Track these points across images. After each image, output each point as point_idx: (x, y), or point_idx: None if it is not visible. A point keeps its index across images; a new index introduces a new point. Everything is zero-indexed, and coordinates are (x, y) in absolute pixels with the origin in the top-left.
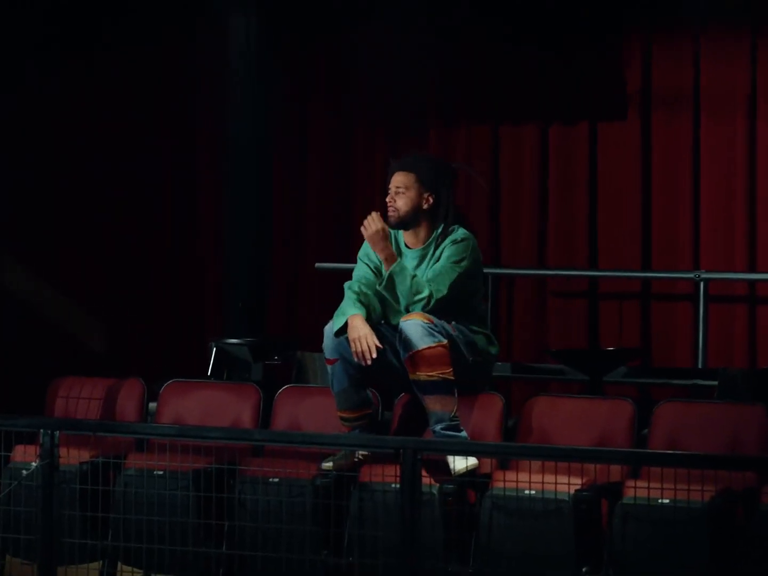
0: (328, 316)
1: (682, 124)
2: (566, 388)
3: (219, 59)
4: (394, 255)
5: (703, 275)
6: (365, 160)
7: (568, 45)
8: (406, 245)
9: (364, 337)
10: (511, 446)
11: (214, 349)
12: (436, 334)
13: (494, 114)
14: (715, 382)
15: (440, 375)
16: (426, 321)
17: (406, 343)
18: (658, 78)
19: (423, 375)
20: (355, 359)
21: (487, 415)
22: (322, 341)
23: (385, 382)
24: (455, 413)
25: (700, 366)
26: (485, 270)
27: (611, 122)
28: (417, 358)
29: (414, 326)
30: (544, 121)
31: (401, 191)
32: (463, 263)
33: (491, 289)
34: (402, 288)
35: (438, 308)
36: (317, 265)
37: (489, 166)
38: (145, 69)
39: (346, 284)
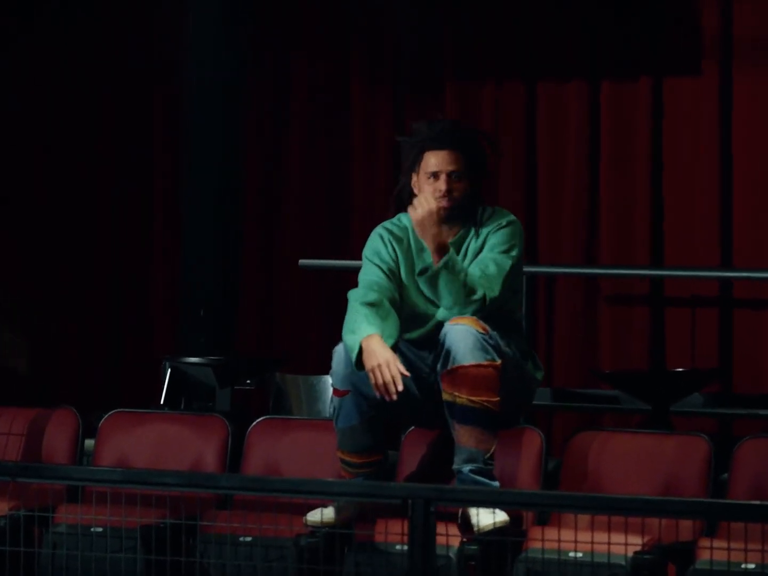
0: (315, 328)
1: None
2: (622, 420)
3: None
4: (446, 244)
5: None
6: (365, 122)
7: None
8: None
9: (386, 364)
10: (551, 495)
11: (169, 370)
12: (490, 349)
13: (530, 66)
14: None
15: (484, 402)
16: (481, 330)
17: (450, 352)
18: (740, 20)
19: (463, 398)
20: (377, 394)
21: (521, 455)
22: (306, 359)
23: (400, 417)
24: (492, 455)
25: None
26: None
27: (680, 77)
28: (461, 374)
29: (466, 334)
30: (594, 75)
31: (455, 177)
32: (514, 252)
33: (526, 293)
34: (451, 286)
35: (487, 315)
36: (301, 262)
37: (523, 132)
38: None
39: (351, 293)
